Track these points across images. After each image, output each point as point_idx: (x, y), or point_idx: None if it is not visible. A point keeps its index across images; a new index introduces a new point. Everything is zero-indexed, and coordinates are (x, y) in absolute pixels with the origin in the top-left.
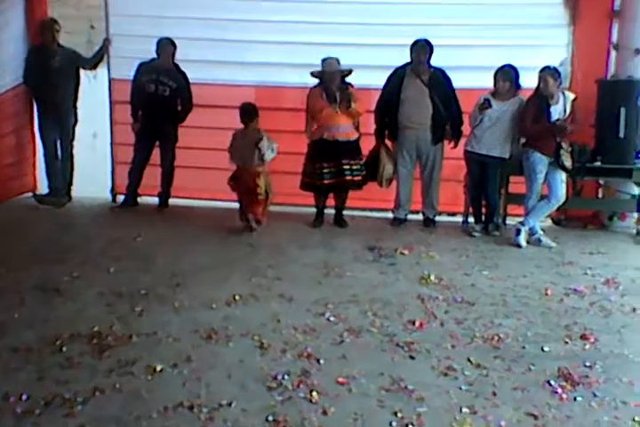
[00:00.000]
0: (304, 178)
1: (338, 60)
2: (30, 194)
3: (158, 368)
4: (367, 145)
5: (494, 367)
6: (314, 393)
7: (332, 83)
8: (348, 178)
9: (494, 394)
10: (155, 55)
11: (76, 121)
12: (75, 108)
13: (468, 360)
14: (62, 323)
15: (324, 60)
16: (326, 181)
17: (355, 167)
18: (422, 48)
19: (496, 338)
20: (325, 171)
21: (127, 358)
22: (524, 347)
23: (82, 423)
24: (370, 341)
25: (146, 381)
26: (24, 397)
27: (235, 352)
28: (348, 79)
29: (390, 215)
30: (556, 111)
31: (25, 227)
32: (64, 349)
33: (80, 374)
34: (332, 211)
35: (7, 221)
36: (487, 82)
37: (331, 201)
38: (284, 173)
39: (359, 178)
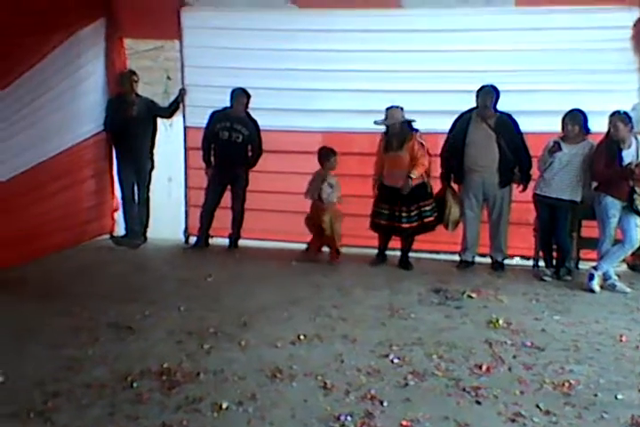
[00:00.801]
0: (370, 217)
1: (401, 108)
2: (108, 236)
3: (224, 406)
4: (434, 188)
5: (564, 414)
6: None
7: (393, 133)
8: (405, 225)
9: None
10: (227, 104)
11: (152, 166)
12: (151, 154)
13: (537, 407)
14: (134, 359)
15: (387, 110)
16: (383, 222)
17: (405, 214)
18: (488, 93)
19: (567, 384)
20: (384, 212)
21: (194, 394)
22: (596, 395)
23: None
24: (435, 384)
25: (212, 418)
26: None
27: (298, 392)
28: (415, 125)
29: (457, 258)
30: (629, 155)
31: (101, 267)
32: (135, 385)
33: (149, 410)
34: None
35: (85, 261)
36: (556, 126)
37: (398, 243)
38: (353, 216)
39: (413, 225)
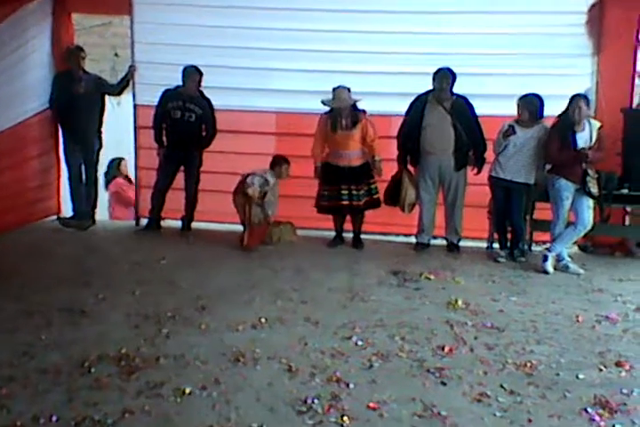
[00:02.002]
0: (316, 200)
1: (348, 89)
2: (55, 217)
3: (187, 391)
4: (389, 170)
5: (528, 394)
6: (345, 418)
7: (341, 112)
8: (345, 203)
9: (530, 421)
10: (180, 82)
11: (100, 146)
12: (99, 133)
13: (502, 387)
14: (90, 344)
15: (334, 90)
16: (325, 203)
17: (355, 193)
18: (445, 76)
19: (529, 365)
20: (325, 194)
21: (155, 380)
22: (557, 374)
23: None
24: (399, 366)
25: (175, 403)
26: (54, 418)
27: (263, 375)
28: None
29: (413, 240)
30: (582, 139)
31: (50, 249)
32: (92, 370)
33: (109, 396)
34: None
35: (32, 243)
36: (511, 110)
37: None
38: (304, 198)
39: (360, 202)
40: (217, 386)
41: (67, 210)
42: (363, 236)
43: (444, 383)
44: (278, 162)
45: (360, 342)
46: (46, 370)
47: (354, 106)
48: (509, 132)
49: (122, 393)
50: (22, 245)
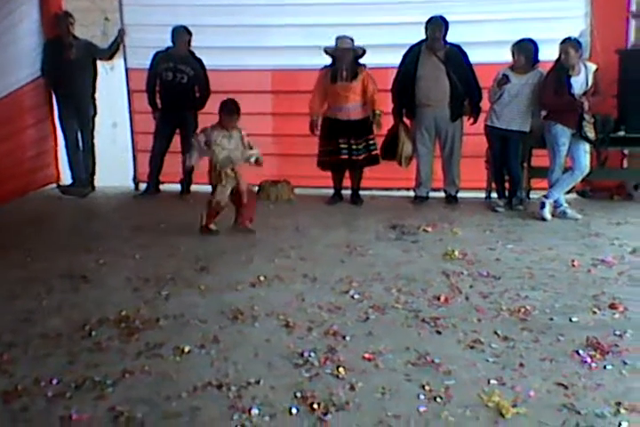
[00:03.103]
0: (318, 156)
1: (352, 39)
2: (54, 185)
3: (186, 349)
4: (386, 124)
5: (521, 339)
6: (341, 369)
7: (343, 60)
8: (344, 157)
9: (522, 365)
10: (170, 44)
11: (95, 112)
12: (93, 98)
13: (495, 333)
14: (90, 309)
15: (337, 39)
16: (325, 159)
17: (355, 147)
18: (437, 25)
19: (523, 310)
20: (325, 149)
21: (155, 340)
22: (551, 318)
23: (112, 405)
24: (395, 317)
25: (174, 362)
26: (55, 381)
27: (261, 332)
28: (361, 60)
29: (412, 194)
30: (578, 83)
31: (50, 217)
32: (93, 333)
33: (109, 358)
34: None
35: (32, 211)
36: (505, 56)
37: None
38: (302, 156)
39: (360, 157)
40: (215, 344)
41: (66, 177)
42: (361, 192)
43: (438, 332)
44: (221, 110)
45: (357, 296)
46: (47, 335)
47: (355, 59)
48: (504, 80)
49: (122, 354)
50: (23, 214)
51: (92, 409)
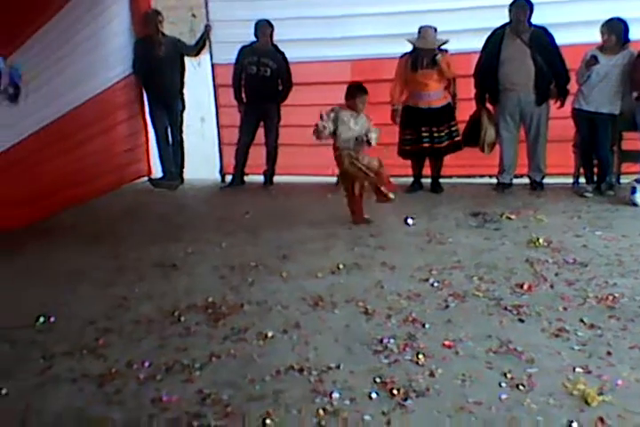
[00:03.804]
0: (399, 145)
1: (435, 29)
2: (146, 178)
3: (269, 334)
4: (468, 110)
5: (609, 327)
6: (420, 356)
7: (424, 53)
8: (426, 145)
9: (609, 354)
10: (254, 38)
11: (183, 107)
12: (182, 94)
13: (581, 321)
14: (179, 295)
15: (420, 28)
16: (407, 148)
17: (437, 135)
18: (521, 7)
19: (611, 298)
20: (407, 138)
21: (240, 325)
22: None
23: (200, 388)
24: (476, 305)
25: (258, 346)
26: (146, 364)
27: (341, 318)
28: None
29: (494, 181)
30: None
31: (142, 209)
32: (182, 319)
33: (197, 342)
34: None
35: (125, 204)
36: (594, 37)
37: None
38: (383, 145)
39: (442, 145)
40: (297, 329)
41: (156, 171)
42: (442, 180)
43: (521, 320)
44: (351, 93)
45: (436, 284)
46: (139, 321)
47: (438, 47)
48: (592, 61)
49: (209, 339)
50: (116, 207)
51: (181, 391)
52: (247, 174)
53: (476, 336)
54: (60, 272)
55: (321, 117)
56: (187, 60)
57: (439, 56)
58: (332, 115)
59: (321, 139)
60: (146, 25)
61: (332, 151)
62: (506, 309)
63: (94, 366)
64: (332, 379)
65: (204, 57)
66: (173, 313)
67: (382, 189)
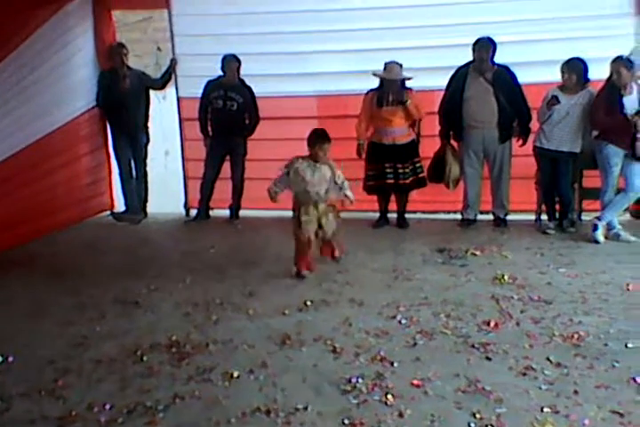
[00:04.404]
0: (364, 181)
1: (400, 65)
2: (108, 212)
3: (235, 374)
4: (432, 146)
5: (575, 366)
6: (389, 396)
7: (390, 89)
8: (390, 181)
9: (576, 393)
10: (220, 72)
11: (148, 140)
12: (146, 127)
13: (548, 360)
14: (142, 333)
15: (386, 64)
16: (371, 183)
17: (401, 171)
18: (484, 46)
19: (576, 336)
20: (371, 174)
21: (205, 365)
22: (606, 344)
23: None
24: (444, 343)
25: (223, 387)
26: (107, 406)
27: (308, 357)
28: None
29: (459, 217)
30: (630, 102)
31: (104, 243)
32: (145, 358)
33: (160, 383)
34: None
35: (87, 238)
36: (555, 76)
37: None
38: (349, 180)
39: (407, 181)
40: (264, 369)
41: (119, 205)
42: (407, 215)
43: (488, 358)
44: (315, 141)
45: (404, 321)
46: (100, 360)
47: (402, 83)
48: (553, 101)
49: (173, 379)
50: (77, 241)
51: None
52: (212, 208)
53: (444, 375)
54: (19, 308)
55: (343, 183)
56: (152, 93)
57: (409, 102)
58: (286, 169)
59: (276, 201)
60: (110, 57)
61: None
62: (473, 346)
63: (53, 409)
64: (299, 421)
65: (170, 90)
66: (136, 352)
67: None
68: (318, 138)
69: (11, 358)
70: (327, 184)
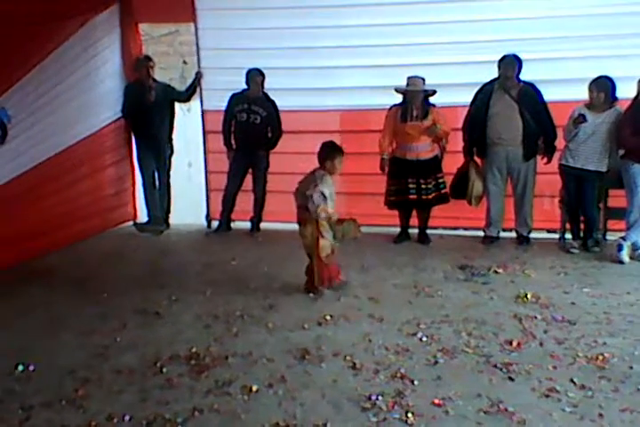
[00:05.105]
0: (385, 196)
1: (423, 79)
2: (131, 222)
3: (254, 388)
4: (455, 162)
5: (600, 388)
6: (409, 415)
7: (413, 102)
8: (412, 197)
9: (601, 416)
10: (245, 86)
11: (172, 152)
12: (170, 139)
13: (572, 381)
14: (162, 345)
15: (409, 79)
16: (392, 198)
17: (424, 186)
18: (510, 63)
19: (601, 358)
20: (393, 189)
21: (224, 378)
22: (631, 367)
23: None
24: (465, 361)
25: (242, 401)
26: (127, 417)
27: (328, 373)
28: (435, 98)
29: (481, 234)
30: None
31: (126, 254)
32: (164, 370)
33: (180, 395)
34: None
35: (110, 248)
36: (581, 94)
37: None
38: (370, 195)
39: (429, 197)
40: (283, 384)
41: (142, 215)
42: (429, 231)
43: (511, 379)
44: (329, 154)
45: (425, 338)
46: (120, 371)
47: (425, 99)
48: (580, 119)
49: (192, 392)
50: (100, 251)
51: None
52: (234, 220)
53: (465, 395)
54: (41, 317)
55: (311, 197)
56: (177, 105)
57: (438, 128)
58: (321, 186)
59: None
60: (137, 70)
61: None
62: (495, 366)
63: (73, 418)
64: None
65: (195, 103)
66: (155, 364)
67: (315, 278)
68: (334, 151)
69: (31, 367)
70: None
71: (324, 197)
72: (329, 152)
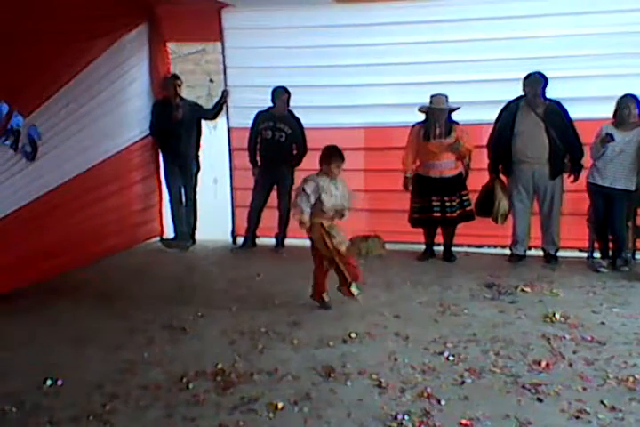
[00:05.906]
0: (409, 213)
1: (446, 97)
2: (157, 238)
3: (280, 406)
4: (480, 180)
5: (631, 410)
6: None
7: (437, 120)
8: (436, 215)
9: None
10: (270, 104)
11: (198, 169)
12: (197, 156)
13: (602, 403)
14: (188, 361)
15: (432, 97)
16: (416, 216)
17: (448, 204)
18: (536, 81)
19: (631, 379)
20: (417, 206)
21: (250, 395)
22: None
23: None
24: (493, 381)
25: (268, 418)
26: None
27: (353, 391)
28: (455, 117)
29: (507, 252)
30: None
31: (153, 269)
32: (190, 386)
33: (206, 411)
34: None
35: (136, 264)
36: (607, 112)
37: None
38: (394, 212)
39: (454, 214)
40: (308, 401)
41: (169, 231)
42: (454, 248)
43: (540, 400)
44: (327, 158)
45: (451, 358)
46: (147, 386)
47: (449, 116)
48: (607, 139)
49: (218, 408)
50: (127, 267)
51: None
52: (259, 237)
53: (493, 415)
54: (70, 332)
55: (295, 205)
56: (204, 123)
57: (461, 145)
58: (308, 190)
59: (307, 226)
60: (164, 88)
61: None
62: (524, 387)
63: None
64: None
65: (221, 120)
66: (182, 379)
67: (346, 276)
68: (335, 156)
69: (60, 382)
70: (348, 196)
71: (307, 194)
72: (328, 156)
